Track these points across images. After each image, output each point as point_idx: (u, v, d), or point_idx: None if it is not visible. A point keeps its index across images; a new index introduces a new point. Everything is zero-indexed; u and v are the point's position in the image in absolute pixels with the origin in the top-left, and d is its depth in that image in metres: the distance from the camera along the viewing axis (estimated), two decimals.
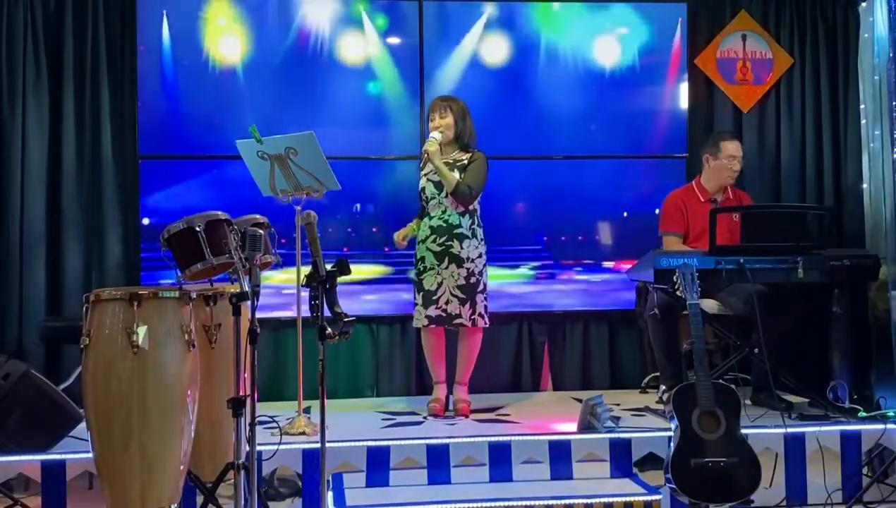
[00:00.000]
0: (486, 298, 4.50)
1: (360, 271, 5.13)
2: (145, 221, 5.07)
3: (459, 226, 4.43)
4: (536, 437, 3.92)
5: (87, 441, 3.22)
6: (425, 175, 4.54)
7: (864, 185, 5.28)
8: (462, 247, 4.41)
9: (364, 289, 5.22)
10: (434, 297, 4.40)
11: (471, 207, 4.47)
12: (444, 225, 4.44)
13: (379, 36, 5.33)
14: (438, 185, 4.45)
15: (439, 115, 4.48)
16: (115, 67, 5.13)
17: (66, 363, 4.81)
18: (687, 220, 4.74)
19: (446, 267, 4.40)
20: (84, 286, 4.94)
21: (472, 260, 4.43)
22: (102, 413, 3.15)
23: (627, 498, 3.58)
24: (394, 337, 5.32)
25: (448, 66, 5.36)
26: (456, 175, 4.40)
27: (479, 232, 4.51)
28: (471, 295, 4.40)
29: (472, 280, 4.42)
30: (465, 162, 4.46)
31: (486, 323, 4.49)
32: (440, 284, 4.40)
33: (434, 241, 4.43)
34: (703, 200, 4.76)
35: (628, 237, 5.37)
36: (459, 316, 4.39)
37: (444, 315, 4.39)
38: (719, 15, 5.60)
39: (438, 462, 3.80)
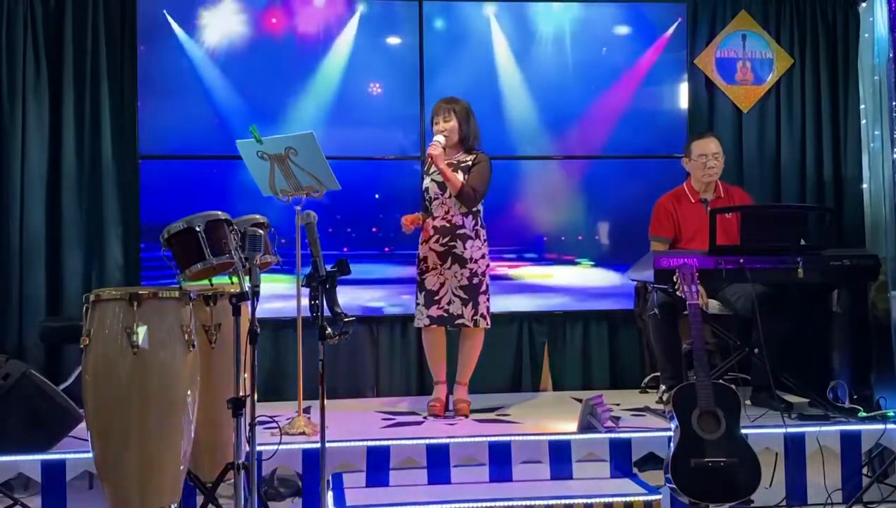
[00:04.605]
0: (488, 299, 4.50)
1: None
2: (145, 221, 5.06)
3: (463, 226, 4.43)
4: (536, 437, 3.92)
5: (87, 441, 3.22)
6: (429, 175, 4.54)
7: (864, 185, 5.29)
8: (465, 248, 4.41)
9: (364, 289, 5.23)
10: (436, 297, 4.40)
11: (474, 208, 4.48)
12: (448, 225, 4.44)
13: (379, 36, 5.33)
14: (442, 186, 4.45)
15: (443, 119, 4.47)
16: (115, 67, 5.13)
17: (66, 363, 4.81)
18: (677, 224, 4.74)
19: (449, 268, 4.40)
20: (84, 286, 4.94)
21: (476, 261, 4.43)
22: (102, 413, 3.16)
23: (627, 498, 3.58)
24: (394, 337, 5.33)
25: (448, 66, 5.36)
26: (460, 177, 4.40)
27: (483, 232, 4.51)
28: (473, 296, 4.40)
29: (475, 280, 4.42)
30: (470, 163, 4.46)
31: (487, 324, 4.49)
32: (443, 284, 4.40)
33: (437, 241, 4.43)
34: (693, 201, 4.77)
35: (628, 237, 5.36)
36: (461, 316, 4.39)
37: (445, 315, 4.39)
38: (719, 15, 5.61)
39: (438, 462, 3.80)
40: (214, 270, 3.38)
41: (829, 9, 5.58)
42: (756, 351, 4.28)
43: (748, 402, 4.37)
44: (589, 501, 3.55)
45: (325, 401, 3.11)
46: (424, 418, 4.44)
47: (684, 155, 4.84)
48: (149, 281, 4.91)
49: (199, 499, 3.37)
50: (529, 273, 5.42)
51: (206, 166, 5.17)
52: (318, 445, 3.10)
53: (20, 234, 4.95)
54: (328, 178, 4.10)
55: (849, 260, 4.24)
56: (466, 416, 4.41)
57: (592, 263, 5.45)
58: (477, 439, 3.88)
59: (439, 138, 4.42)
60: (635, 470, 3.89)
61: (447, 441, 3.86)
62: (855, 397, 4.28)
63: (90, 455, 3.25)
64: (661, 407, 4.38)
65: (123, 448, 3.12)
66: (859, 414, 4.09)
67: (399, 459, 3.79)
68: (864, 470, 4.01)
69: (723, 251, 4.18)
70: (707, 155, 4.71)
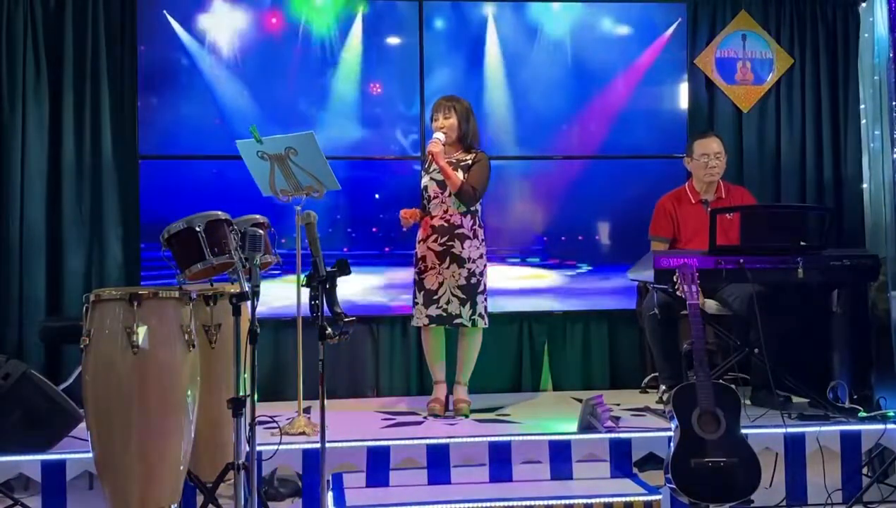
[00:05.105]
0: (486, 299, 4.50)
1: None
2: (145, 221, 5.06)
3: (461, 226, 4.43)
4: (536, 437, 3.92)
5: (87, 441, 3.22)
6: (428, 173, 4.54)
7: (864, 185, 5.28)
8: (463, 247, 4.41)
9: (364, 289, 5.23)
10: (435, 297, 4.40)
11: (472, 208, 4.48)
12: (446, 224, 4.44)
13: (379, 35, 5.33)
14: (441, 184, 4.45)
15: (443, 116, 4.47)
16: (115, 67, 5.13)
17: (66, 363, 4.81)
18: (677, 224, 4.73)
19: (447, 267, 4.40)
20: (84, 286, 4.94)
21: (474, 261, 4.43)
22: (102, 413, 3.16)
23: (627, 498, 3.58)
24: (394, 337, 5.33)
25: (447, 66, 5.36)
26: (460, 175, 4.40)
27: (481, 232, 4.51)
28: (471, 296, 4.40)
29: (473, 280, 4.42)
30: (469, 162, 4.46)
31: (485, 324, 4.49)
32: (441, 284, 4.40)
33: (435, 241, 4.43)
34: (694, 202, 4.76)
35: (628, 237, 5.36)
36: (459, 315, 4.39)
37: (444, 314, 4.39)
38: (719, 15, 5.61)
39: (438, 462, 3.80)
40: (214, 270, 3.38)
41: (829, 9, 5.58)
42: (756, 351, 4.28)
43: (748, 402, 4.37)
44: (589, 501, 3.55)
45: (325, 401, 3.11)
46: (424, 418, 4.43)
47: (686, 154, 4.83)
48: (149, 282, 4.91)
49: (199, 499, 3.37)
50: (529, 273, 5.42)
51: (206, 166, 5.17)
52: (318, 445, 3.10)
53: (20, 234, 4.95)
54: (328, 178, 4.10)
55: (849, 260, 4.23)
56: (466, 416, 4.41)
57: (593, 263, 5.45)
58: (477, 439, 3.88)
59: (439, 136, 4.42)
60: (635, 470, 3.89)
61: (447, 441, 3.85)
62: (855, 397, 4.27)
63: (90, 455, 3.25)
64: (661, 407, 4.38)
65: (123, 449, 3.12)
66: (859, 414, 4.09)
67: (399, 459, 3.79)
68: (864, 470, 4.01)
69: (723, 251, 4.18)
70: (709, 154, 4.70)
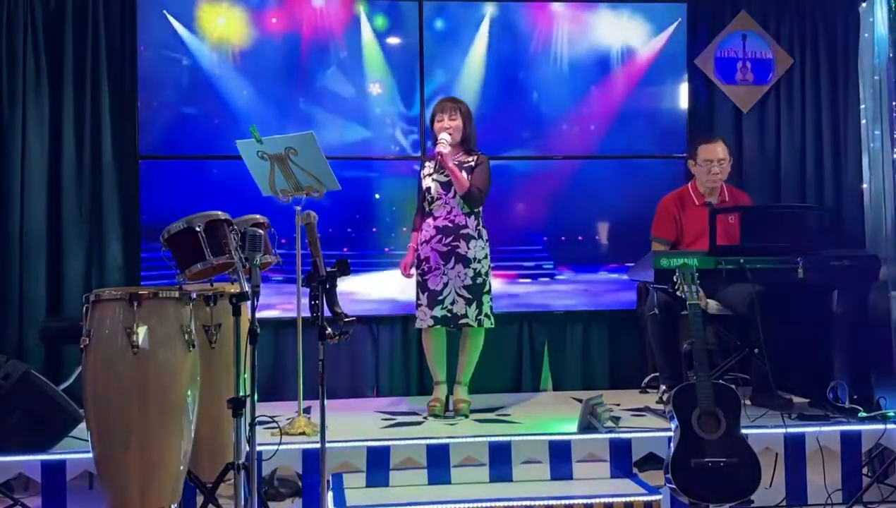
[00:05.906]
0: (491, 299, 4.50)
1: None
2: (145, 221, 5.06)
3: (465, 226, 4.43)
4: (536, 437, 3.92)
5: (87, 441, 3.22)
6: (430, 175, 4.53)
7: (864, 185, 5.28)
8: (469, 248, 4.41)
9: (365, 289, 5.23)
10: (440, 297, 4.39)
11: (476, 208, 4.48)
12: (451, 225, 4.43)
13: (379, 36, 5.33)
14: (446, 186, 4.44)
15: (448, 117, 4.46)
16: (115, 67, 5.13)
17: (66, 363, 4.82)
18: (680, 226, 4.71)
19: (452, 268, 4.39)
20: (84, 286, 4.94)
21: (479, 261, 4.43)
22: (102, 413, 3.16)
23: (627, 498, 3.58)
24: (394, 337, 5.33)
25: (447, 66, 5.37)
26: (465, 176, 4.40)
27: (485, 233, 4.50)
28: (477, 296, 4.40)
29: (479, 280, 4.41)
30: (472, 164, 4.45)
31: (491, 324, 4.48)
32: (446, 284, 4.40)
33: (440, 242, 4.42)
34: (697, 204, 4.75)
35: (628, 237, 5.36)
36: (465, 316, 4.38)
37: (449, 315, 4.39)
38: (719, 15, 5.61)
39: (438, 462, 3.80)
40: (214, 270, 3.38)
41: (829, 9, 5.59)
42: (756, 351, 4.28)
43: (748, 402, 4.37)
44: (589, 501, 3.55)
45: (325, 401, 3.11)
46: (424, 418, 4.43)
47: (690, 157, 4.81)
48: (149, 282, 4.90)
49: (199, 499, 3.37)
50: (529, 273, 5.41)
51: (206, 166, 5.18)
52: (318, 445, 3.10)
53: (20, 234, 4.95)
54: (328, 178, 4.10)
55: (849, 260, 4.24)
56: (466, 416, 4.41)
57: (592, 263, 5.45)
58: (477, 439, 3.88)
59: (445, 137, 4.41)
60: (635, 470, 3.89)
61: (447, 441, 3.86)
62: (855, 397, 4.27)
63: (90, 455, 3.25)
64: (661, 407, 4.38)
65: (123, 448, 3.12)
66: (859, 414, 4.09)
67: (399, 459, 3.79)
68: (864, 470, 4.01)
69: (723, 251, 4.18)
70: (713, 161, 4.67)
